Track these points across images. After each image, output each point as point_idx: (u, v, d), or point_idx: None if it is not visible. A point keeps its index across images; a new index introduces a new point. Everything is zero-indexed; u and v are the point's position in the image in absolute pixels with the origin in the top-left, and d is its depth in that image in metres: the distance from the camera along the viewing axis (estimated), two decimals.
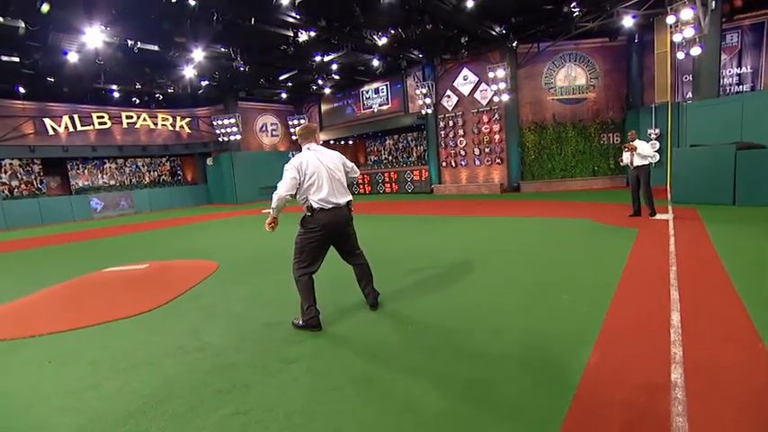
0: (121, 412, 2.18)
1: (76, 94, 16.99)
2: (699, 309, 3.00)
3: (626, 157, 7.05)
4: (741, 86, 12.98)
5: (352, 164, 3.44)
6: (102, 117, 18.70)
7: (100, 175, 20.02)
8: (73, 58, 12.18)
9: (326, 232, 3.14)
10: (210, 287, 4.63)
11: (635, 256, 4.62)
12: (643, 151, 6.80)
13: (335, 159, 3.24)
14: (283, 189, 3.07)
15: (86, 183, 19.57)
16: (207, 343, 3.04)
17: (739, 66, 12.99)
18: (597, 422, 1.83)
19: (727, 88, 12.95)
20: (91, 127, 18.51)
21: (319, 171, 3.10)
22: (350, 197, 3.29)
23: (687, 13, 9.11)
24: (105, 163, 20.16)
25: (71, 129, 17.97)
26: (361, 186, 21.06)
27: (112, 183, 20.31)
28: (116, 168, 20.51)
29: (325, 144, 24.34)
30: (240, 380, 2.44)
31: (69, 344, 3.23)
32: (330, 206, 3.10)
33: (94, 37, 10.72)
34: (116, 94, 17.25)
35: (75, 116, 18.04)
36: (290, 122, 23.08)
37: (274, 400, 2.20)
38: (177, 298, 4.24)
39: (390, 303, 3.61)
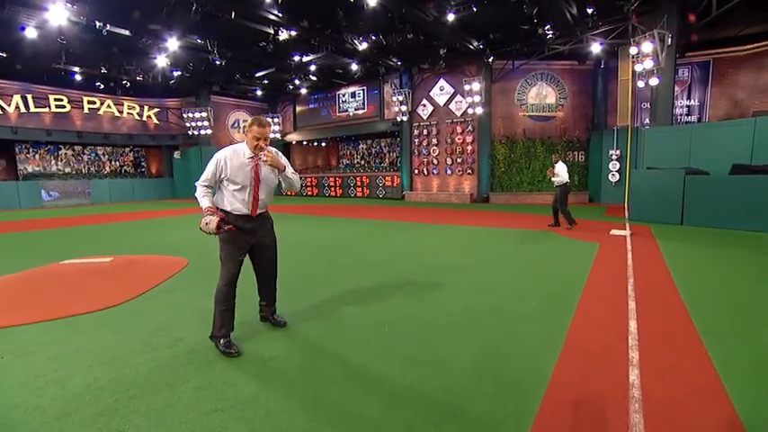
0: (91, 410, 2.09)
1: (32, 73, 15.90)
2: (652, 317, 3.26)
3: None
4: (690, 117, 14.16)
5: None
6: (61, 100, 17.60)
7: (54, 162, 18.78)
8: (31, 33, 11.41)
9: None
10: (181, 283, 4.49)
11: (597, 268, 4.93)
12: (559, 173, 7.81)
13: None
14: None
15: (37, 168, 18.30)
16: (180, 339, 2.96)
17: (689, 98, 14.18)
18: (566, 415, 1.97)
19: (679, 118, 14.09)
20: (46, 109, 17.36)
21: None
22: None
23: (647, 47, 9.87)
24: (60, 149, 18.95)
25: (23, 109, 16.78)
26: (332, 189, 21.00)
27: (68, 170, 19.10)
28: (73, 155, 19.34)
29: (298, 145, 24.13)
30: (218, 377, 2.40)
31: (24, 338, 3.03)
32: None
33: (58, 14, 10.12)
34: (78, 77, 16.28)
35: (29, 96, 16.88)
36: None
37: (254, 396, 2.19)
38: (145, 293, 4.08)
39: (363, 305, 3.66)
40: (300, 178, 3.29)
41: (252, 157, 2.76)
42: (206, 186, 2.75)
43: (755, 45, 12.96)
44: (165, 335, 3.06)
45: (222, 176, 2.74)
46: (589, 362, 2.53)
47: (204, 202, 2.72)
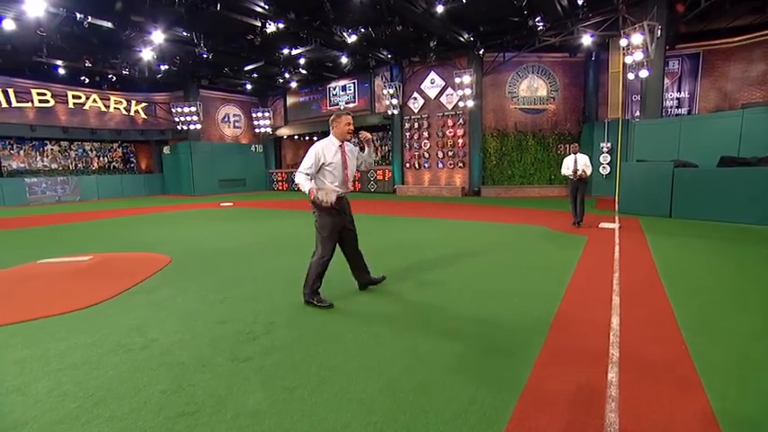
0: (50, 417, 2.01)
1: (12, 67, 15.51)
2: (635, 313, 3.24)
3: (574, 167, 7.34)
4: (680, 109, 14.18)
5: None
6: (44, 94, 17.22)
7: (39, 158, 18.42)
8: (8, 25, 11.07)
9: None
10: (161, 282, 4.39)
11: (583, 262, 4.90)
12: (587, 163, 7.23)
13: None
14: None
15: (22, 165, 17.94)
16: (154, 340, 2.88)
17: (679, 90, 14.18)
18: (541, 413, 1.92)
19: (669, 110, 14.10)
20: (29, 104, 16.98)
21: None
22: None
23: (637, 38, 9.83)
24: (46, 144, 18.58)
25: (4, 104, 16.40)
26: None
27: (54, 166, 18.75)
28: (59, 151, 18.97)
29: (290, 139, 23.88)
30: (188, 379, 2.33)
31: None
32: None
33: (36, 5, 9.81)
34: (61, 71, 15.90)
35: (10, 90, 16.49)
36: (254, 115, 22.39)
37: (223, 400, 2.12)
38: (123, 293, 3.98)
39: (344, 304, 3.61)
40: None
41: (340, 145, 3.51)
42: (307, 174, 3.39)
43: (745, 37, 12.97)
44: (140, 336, 2.98)
45: (322, 162, 3.42)
46: (569, 360, 2.49)
47: (309, 184, 3.36)
